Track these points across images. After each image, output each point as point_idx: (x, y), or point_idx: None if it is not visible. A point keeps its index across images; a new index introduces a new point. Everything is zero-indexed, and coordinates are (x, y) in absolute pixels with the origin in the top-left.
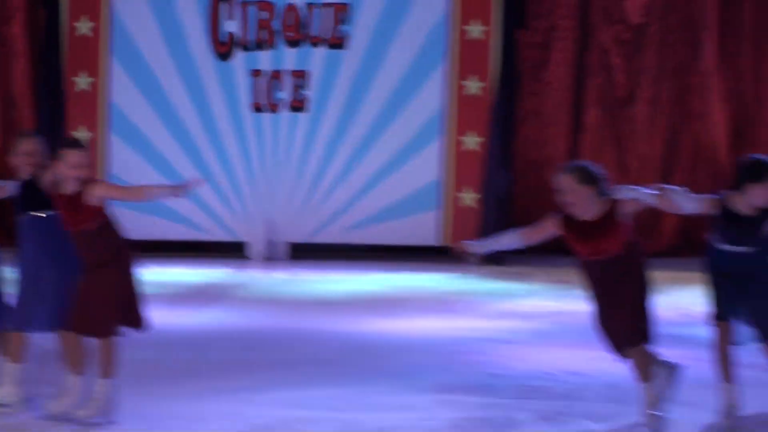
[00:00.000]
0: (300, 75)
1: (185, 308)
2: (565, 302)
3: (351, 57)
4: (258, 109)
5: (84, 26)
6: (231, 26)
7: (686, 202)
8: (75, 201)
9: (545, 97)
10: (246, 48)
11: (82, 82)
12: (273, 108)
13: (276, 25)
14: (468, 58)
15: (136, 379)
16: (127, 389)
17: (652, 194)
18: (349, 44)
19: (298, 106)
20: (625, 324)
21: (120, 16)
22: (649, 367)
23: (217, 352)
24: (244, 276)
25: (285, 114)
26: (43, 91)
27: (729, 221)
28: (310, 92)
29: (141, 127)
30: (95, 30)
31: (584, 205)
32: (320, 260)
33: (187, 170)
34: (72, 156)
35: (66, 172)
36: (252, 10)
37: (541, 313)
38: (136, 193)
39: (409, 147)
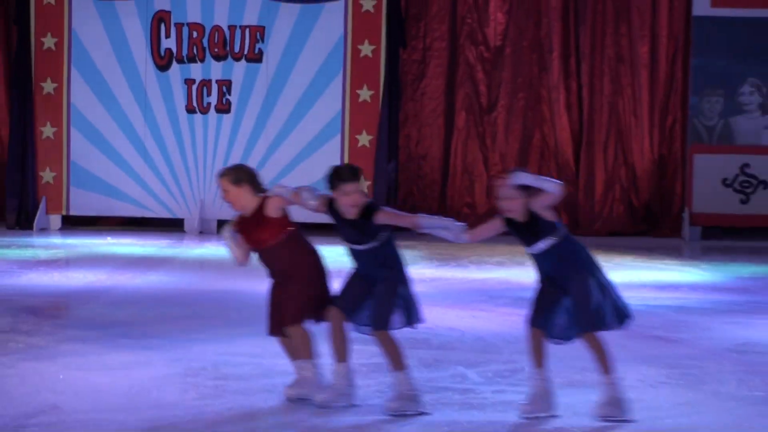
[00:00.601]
0: (225, 83)
1: (132, 272)
2: (441, 270)
3: (266, 69)
4: (191, 110)
5: (49, 41)
6: (168, 43)
7: (310, 200)
8: None
9: (423, 104)
10: (181, 61)
11: (47, 86)
12: (203, 110)
13: (205, 42)
14: (360, 71)
15: (92, 330)
16: (90, 339)
17: (292, 190)
18: (264, 59)
19: (223, 108)
20: (288, 306)
21: (78, 33)
22: (306, 345)
23: (158, 309)
24: (180, 247)
25: (213, 115)
26: (16, 94)
27: (338, 221)
28: (233, 97)
29: (95, 124)
30: (58, 45)
31: (240, 203)
32: None
33: (133, 159)
34: None
35: None
36: (185, 30)
37: (422, 279)
38: None
39: (315, 142)
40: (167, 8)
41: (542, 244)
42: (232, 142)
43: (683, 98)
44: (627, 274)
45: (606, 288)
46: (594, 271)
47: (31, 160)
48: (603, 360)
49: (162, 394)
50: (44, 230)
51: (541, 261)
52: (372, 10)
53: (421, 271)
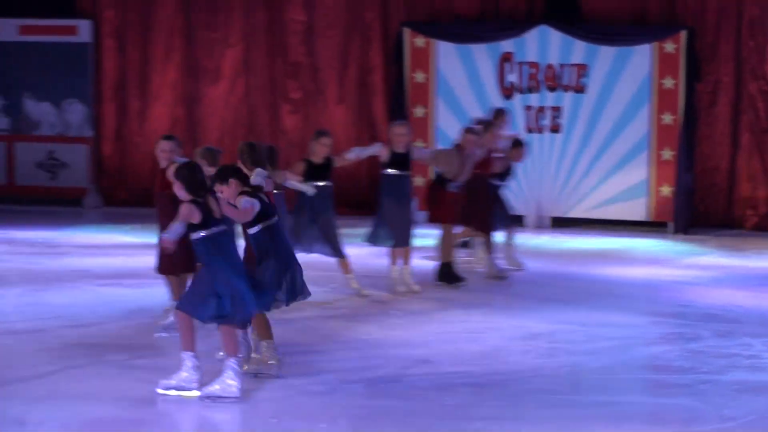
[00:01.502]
0: (555, 110)
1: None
2: (728, 260)
3: (588, 98)
4: (530, 131)
5: (419, 76)
6: (512, 78)
7: None
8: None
9: (714, 127)
10: (521, 92)
11: (418, 111)
12: (539, 130)
13: (540, 77)
14: (663, 101)
15: (458, 302)
16: (454, 307)
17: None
18: (587, 90)
19: (555, 129)
20: None
21: (442, 70)
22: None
23: (502, 287)
24: (521, 238)
25: (547, 134)
26: (395, 117)
27: None
28: (563, 120)
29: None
30: (427, 79)
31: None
32: (571, 228)
33: None
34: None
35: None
36: (525, 67)
37: (714, 266)
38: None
39: (627, 156)
40: (511, 50)
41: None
42: (561, 155)
43: None
44: None
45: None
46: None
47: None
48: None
49: (508, 353)
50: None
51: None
52: (673, 52)
53: (713, 260)
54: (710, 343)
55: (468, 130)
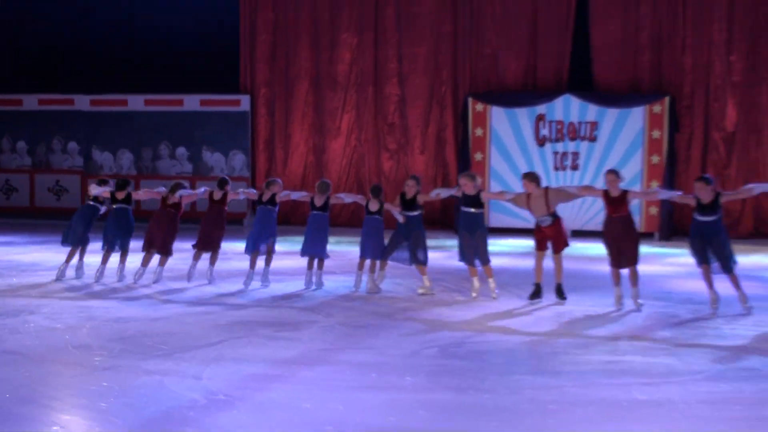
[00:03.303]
0: (575, 154)
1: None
2: None
3: (598, 145)
4: (557, 169)
5: (479, 131)
6: (544, 132)
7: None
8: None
9: (689, 164)
10: (551, 141)
11: (478, 156)
12: (563, 168)
13: (564, 131)
14: (652, 146)
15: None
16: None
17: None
18: (598, 140)
19: (574, 167)
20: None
21: (495, 127)
22: None
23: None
24: None
25: (569, 172)
26: (462, 162)
27: None
28: (580, 162)
29: (505, 178)
30: (484, 133)
31: None
32: (585, 237)
33: None
34: None
35: None
36: (553, 124)
37: (688, 264)
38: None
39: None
40: (544, 112)
41: None
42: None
43: None
44: None
45: None
46: None
47: None
48: None
49: (537, 327)
50: None
51: None
52: (659, 112)
53: (688, 260)
54: (685, 318)
55: (526, 176)
